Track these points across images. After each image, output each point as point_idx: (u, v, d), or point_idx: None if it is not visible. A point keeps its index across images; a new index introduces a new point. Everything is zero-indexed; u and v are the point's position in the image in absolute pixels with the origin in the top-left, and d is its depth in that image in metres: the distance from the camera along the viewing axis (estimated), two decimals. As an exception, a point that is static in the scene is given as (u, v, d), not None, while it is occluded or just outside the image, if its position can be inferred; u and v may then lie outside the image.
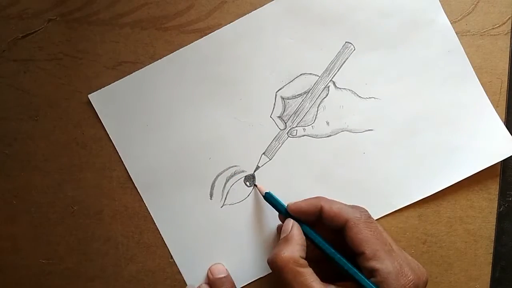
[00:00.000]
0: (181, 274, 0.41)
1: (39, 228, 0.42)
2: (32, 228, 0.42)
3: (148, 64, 0.41)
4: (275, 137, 0.41)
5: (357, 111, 0.41)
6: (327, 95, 0.41)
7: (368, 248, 0.33)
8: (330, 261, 0.35)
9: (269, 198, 0.39)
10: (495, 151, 0.41)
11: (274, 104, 0.42)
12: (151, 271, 0.42)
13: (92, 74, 0.41)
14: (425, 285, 0.34)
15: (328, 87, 0.41)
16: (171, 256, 0.41)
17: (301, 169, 0.41)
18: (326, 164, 0.41)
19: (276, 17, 0.41)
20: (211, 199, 0.41)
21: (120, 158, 0.41)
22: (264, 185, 0.41)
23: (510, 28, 0.41)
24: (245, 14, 0.41)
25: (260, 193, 0.40)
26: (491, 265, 0.41)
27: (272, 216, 0.40)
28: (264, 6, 0.41)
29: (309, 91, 0.41)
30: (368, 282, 0.33)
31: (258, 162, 0.41)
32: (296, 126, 0.41)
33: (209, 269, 0.41)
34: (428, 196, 0.41)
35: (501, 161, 0.41)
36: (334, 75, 0.41)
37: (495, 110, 0.41)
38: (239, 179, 0.41)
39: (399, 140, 0.41)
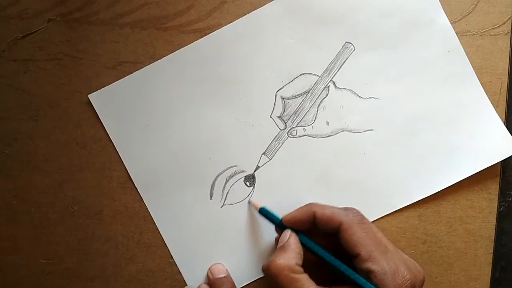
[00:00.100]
0: (181, 274, 0.41)
1: (39, 228, 0.42)
2: (32, 228, 0.42)
3: (148, 64, 0.41)
4: (275, 137, 0.41)
5: (357, 111, 0.41)
6: (327, 95, 0.41)
7: (363, 249, 0.33)
8: (329, 267, 0.35)
9: (264, 213, 0.39)
10: (495, 151, 0.41)
11: (274, 104, 0.42)
12: (151, 271, 0.42)
13: (92, 74, 0.41)
14: (422, 283, 0.34)
15: (328, 87, 0.41)
16: (171, 256, 0.41)
17: (301, 169, 0.41)
18: (326, 164, 0.41)
19: (276, 17, 0.41)
20: (211, 199, 0.41)
21: (120, 158, 0.41)
22: (264, 185, 0.41)
23: (510, 28, 0.41)
24: (245, 14, 0.41)
25: (255, 209, 0.40)
26: (491, 265, 0.41)
27: (272, 216, 0.40)
28: (264, 6, 0.41)
29: (309, 91, 0.41)
30: (370, 284, 0.33)
31: (258, 162, 0.41)
32: (296, 126, 0.41)
33: (209, 269, 0.41)
34: (428, 196, 0.41)
35: (501, 161, 0.41)
36: (334, 75, 0.41)
37: (495, 110, 0.41)
38: (239, 179, 0.41)
39: (399, 140, 0.41)
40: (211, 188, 0.41)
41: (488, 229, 0.41)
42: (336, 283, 0.35)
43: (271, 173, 0.41)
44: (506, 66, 0.41)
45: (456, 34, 0.41)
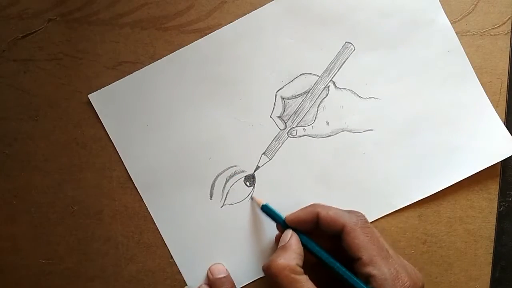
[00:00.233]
0: (181, 274, 0.41)
1: (39, 228, 0.42)
2: (32, 228, 0.42)
3: (148, 64, 0.41)
4: (275, 137, 0.41)
5: (357, 111, 0.41)
6: (327, 95, 0.41)
7: (365, 253, 0.33)
8: (329, 269, 0.35)
9: (266, 210, 0.39)
10: (495, 151, 0.41)
11: (274, 104, 0.42)
12: (151, 271, 0.42)
13: (92, 74, 0.41)
14: None
15: (328, 87, 0.41)
16: (171, 256, 0.41)
17: (301, 169, 0.41)
18: (326, 164, 0.41)
19: (276, 17, 0.41)
20: (211, 199, 0.41)
21: (120, 158, 0.41)
22: (264, 185, 0.41)
23: (510, 28, 0.41)
24: (245, 14, 0.41)
25: (258, 205, 0.40)
26: (491, 265, 0.41)
27: (272, 216, 0.40)
28: (264, 6, 0.41)
29: (309, 91, 0.41)
30: None
31: (258, 162, 0.41)
32: (296, 126, 0.41)
33: (209, 269, 0.41)
34: (428, 196, 0.41)
35: (501, 161, 0.41)
36: (334, 75, 0.41)
37: (495, 110, 0.41)
38: (239, 179, 0.41)
39: (399, 140, 0.41)
40: (211, 188, 0.41)
41: (488, 229, 0.41)
42: (335, 286, 0.35)
43: (271, 173, 0.41)
44: (506, 66, 0.41)
45: (456, 34, 0.41)
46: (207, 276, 0.41)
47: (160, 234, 0.41)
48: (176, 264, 0.41)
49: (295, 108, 0.41)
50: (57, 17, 0.41)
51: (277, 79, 0.41)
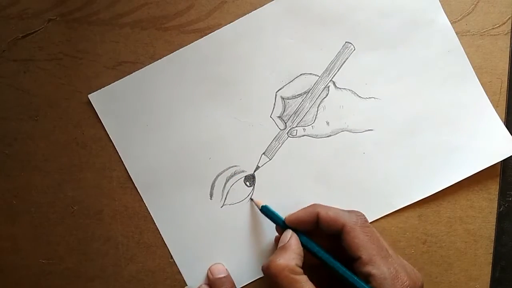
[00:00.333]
0: (181, 274, 0.41)
1: (39, 228, 0.42)
2: (32, 228, 0.42)
3: (148, 64, 0.41)
4: (275, 137, 0.41)
5: (357, 111, 0.41)
6: (327, 95, 0.41)
7: (364, 253, 0.33)
8: (328, 269, 0.35)
9: (265, 211, 0.39)
10: (495, 151, 0.41)
11: (274, 104, 0.42)
12: (151, 271, 0.42)
13: (92, 74, 0.41)
14: None
15: (328, 87, 0.41)
16: (171, 256, 0.41)
17: (301, 169, 0.41)
18: (326, 164, 0.41)
19: (276, 17, 0.41)
20: (211, 199, 0.41)
21: (120, 158, 0.41)
22: (264, 185, 0.41)
23: (510, 28, 0.41)
24: (245, 14, 0.41)
25: (257, 206, 0.40)
26: (491, 265, 0.41)
27: (272, 216, 0.40)
28: (264, 6, 0.41)
29: (309, 91, 0.41)
30: None
31: (258, 162, 0.41)
32: (296, 126, 0.41)
33: (209, 269, 0.41)
34: (428, 196, 0.41)
35: (501, 161, 0.41)
36: (334, 75, 0.41)
37: (495, 110, 0.41)
38: (239, 179, 0.41)
39: (399, 140, 0.41)
40: (211, 188, 0.41)
41: (488, 229, 0.41)
42: (334, 286, 0.35)
43: (271, 173, 0.41)
44: (506, 66, 0.41)
45: (456, 34, 0.41)
46: (207, 276, 0.41)
47: (160, 234, 0.41)
48: (176, 264, 0.41)
49: (295, 108, 0.41)
50: (57, 17, 0.41)
51: (277, 79, 0.41)
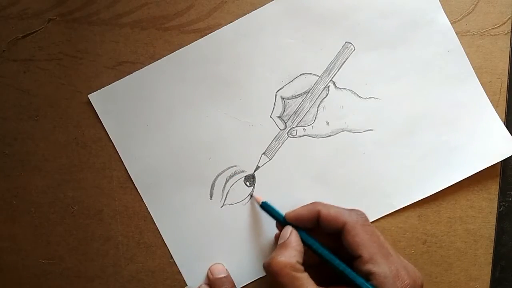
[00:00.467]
0: (181, 274, 0.41)
1: (39, 228, 0.42)
2: (32, 228, 0.42)
3: (148, 64, 0.41)
4: (275, 137, 0.41)
5: (357, 111, 0.41)
6: (327, 95, 0.41)
7: (365, 251, 0.33)
8: (328, 266, 0.35)
9: (265, 207, 0.39)
10: (495, 151, 0.41)
11: (274, 104, 0.42)
12: (151, 271, 0.42)
13: (92, 74, 0.41)
14: None
15: (328, 87, 0.41)
16: (171, 256, 0.41)
17: (301, 169, 0.41)
18: (326, 164, 0.41)
19: (276, 17, 0.41)
20: (211, 199, 0.41)
21: (120, 158, 0.41)
22: (264, 185, 0.41)
23: (510, 28, 0.41)
24: (245, 14, 0.41)
25: (257, 203, 0.39)
26: (491, 265, 0.41)
27: (272, 216, 0.40)
28: (264, 6, 0.41)
29: (309, 91, 0.41)
30: (369, 286, 0.32)
31: (258, 162, 0.41)
32: (296, 126, 0.41)
33: (209, 269, 0.41)
34: (428, 196, 0.41)
35: (501, 161, 0.41)
36: (334, 75, 0.41)
37: (495, 110, 0.41)
38: (239, 179, 0.41)
39: (399, 140, 0.41)
40: (211, 188, 0.41)
41: (488, 229, 0.41)
42: (334, 284, 0.35)
43: (271, 173, 0.41)
44: (506, 66, 0.41)
45: (456, 34, 0.41)
46: (207, 276, 0.41)
47: (160, 234, 0.41)
48: (176, 264, 0.41)
49: (295, 108, 0.41)
50: (57, 17, 0.41)
51: (277, 79, 0.41)
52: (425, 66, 0.41)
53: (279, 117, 0.42)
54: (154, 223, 0.41)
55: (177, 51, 0.41)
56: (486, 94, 0.41)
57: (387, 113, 0.41)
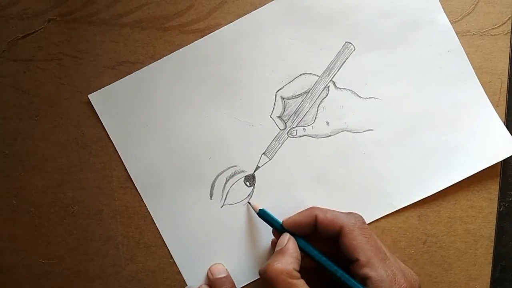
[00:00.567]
0: (181, 274, 0.41)
1: (39, 228, 0.42)
2: (32, 228, 0.42)
3: (148, 64, 0.41)
4: (275, 137, 0.41)
5: (357, 111, 0.41)
6: (327, 95, 0.41)
7: (362, 255, 0.33)
8: (326, 272, 0.35)
9: (263, 215, 0.39)
10: (495, 151, 0.41)
11: (274, 104, 0.42)
12: (151, 271, 0.42)
13: (92, 74, 0.41)
14: None
15: (328, 87, 0.41)
16: (171, 256, 0.41)
17: (301, 169, 0.41)
18: (326, 164, 0.41)
19: (276, 17, 0.41)
20: (211, 199, 0.41)
21: (120, 158, 0.41)
22: (264, 185, 0.41)
23: (510, 28, 0.41)
24: (245, 14, 0.41)
25: (254, 210, 0.39)
26: (491, 265, 0.41)
27: (272, 216, 0.40)
28: (264, 6, 0.41)
29: (309, 91, 0.41)
30: None
31: (258, 162, 0.41)
32: (296, 126, 0.41)
33: (209, 269, 0.41)
34: (428, 196, 0.41)
35: (501, 161, 0.41)
36: (334, 75, 0.41)
37: (495, 110, 0.41)
38: (239, 179, 0.41)
39: (399, 140, 0.41)
40: (211, 188, 0.41)
41: (488, 229, 0.41)
42: None
43: (271, 173, 0.41)
44: (506, 66, 0.41)
45: (456, 34, 0.41)
46: (207, 276, 0.41)
47: (160, 234, 0.41)
48: (176, 264, 0.41)
49: (295, 108, 0.41)
50: (57, 17, 0.41)
51: (277, 79, 0.41)
52: (425, 66, 0.41)
53: (279, 117, 0.42)
54: (154, 223, 0.41)
55: (177, 51, 0.41)
56: (486, 94, 0.41)
57: (387, 113, 0.41)
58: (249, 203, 0.41)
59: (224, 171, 0.41)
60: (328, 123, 0.41)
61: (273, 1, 0.41)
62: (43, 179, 0.42)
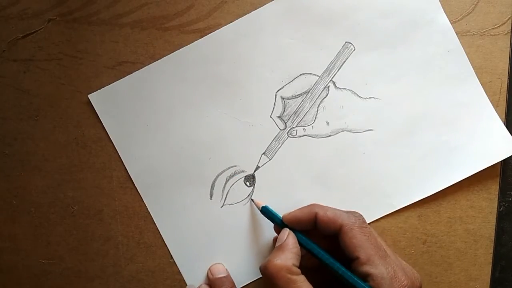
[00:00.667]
0: (181, 274, 0.41)
1: (39, 228, 0.42)
2: (32, 228, 0.42)
3: (148, 64, 0.41)
4: (275, 137, 0.41)
5: (357, 111, 0.41)
6: (327, 95, 0.41)
7: (362, 252, 0.33)
8: (326, 268, 0.35)
9: (265, 212, 0.39)
10: (495, 151, 0.41)
11: (274, 104, 0.42)
12: (151, 271, 0.42)
13: (92, 74, 0.41)
14: None
15: (328, 87, 0.42)
16: (171, 256, 0.41)
17: (301, 169, 0.41)
18: (326, 164, 0.41)
19: (276, 17, 0.41)
20: (211, 199, 0.41)
21: (120, 158, 0.41)
22: (264, 185, 0.41)
23: (510, 28, 0.41)
24: (245, 14, 0.41)
25: (257, 207, 0.39)
26: (491, 265, 0.41)
27: (272, 216, 0.40)
28: (264, 6, 0.41)
29: (309, 91, 0.42)
30: (366, 287, 0.32)
31: (258, 162, 0.41)
32: (296, 126, 0.41)
33: (209, 269, 0.41)
34: (428, 196, 0.41)
35: (501, 161, 0.41)
36: (334, 75, 0.41)
37: (495, 110, 0.41)
38: (239, 179, 0.41)
39: (399, 140, 0.41)
40: (211, 188, 0.41)
41: (488, 229, 0.41)
42: (332, 286, 0.35)
43: (271, 173, 0.41)
44: (506, 66, 0.41)
45: (456, 34, 0.41)
46: (207, 276, 0.41)
47: (160, 234, 0.41)
48: (176, 264, 0.41)
49: (295, 108, 0.41)
50: (57, 17, 0.41)
51: (277, 79, 0.41)
52: (425, 66, 0.41)
53: (279, 117, 0.42)
54: (154, 223, 0.41)
55: (177, 51, 0.41)
56: (486, 94, 0.41)
57: (387, 113, 0.41)
58: (252, 200, 0.41)
59: (224, 171, 0.41)
60: (328, 123, 0.41)
61: (273, 1, 0.41)
62: (43, 179, 0.42)
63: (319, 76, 0.41)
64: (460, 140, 0.41)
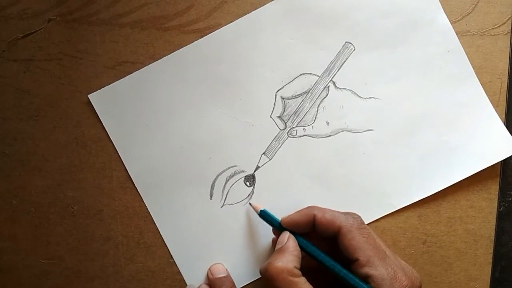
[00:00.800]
0: (181, 274, 0.41)
1: (39, 228, 0.42)
2: (32, 228, 0.42)
3: (148, 64, 0.41)
4: (275, 137, 0.41)
5: (357, 111, 0.41)
6: (327, 95, 0.41)
7: (362, 254, 0.33)
8: (326, 271, 0.35)
9: (264, 215, 0.39)
10: (495, 151, 0.41)
11: (274, 104, 0.42)
12: (151, 271, 0.42)
13: (92, 74, 0.41)
14: None
15: (328, 87, 0.42)
16: (171, 256, 0.41)
17: (301, 169, 0.41)
18: (326, 164, 0.41)
19: (276, 17, 0.41)
20: (211, 199, 0.41)
21: (120, 158, 0.41)
22: (264, 185, 0.41)
23: (510, 28, 0.41)
24: (245, 14, 0.41)
25: (255, 211, 0.39)
26: (491, 265, 0.41)
27: (272, 216, 0.40)
28: (264, 6, 0.41)
29: (309, 91, 0.42)
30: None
31: (258, 162, 0.41)
32: (296, 126, 0.41)
33: (209, 269, 0.41)
34: (428, 196, 0.41)
35: (501, 161, 0.41)
36: (334, 75, 0.41)
37: (495, 110, 0.41)
38: (239, 179, 0.41)
39: (399, 140, 0.41)
40: (211, 188, 0.41)
41: (488, 229, 0.41)
42: (332, 287, 0.35)
43: (271, 173, 0.41)
44: (506, 66, 0.41)
45: (456, 34, 0.41)
46: (207, 276, 0.41)
47: (160, 234, 0.41)
48: (176, 264, 0.41)
49: (295, 108, 0.41)
50: (57, 17, 0.41)
51: (277, 79, 0.41)
52: (425, 66, 0.41)
53: (279, 117, 0.42)
54: (154, 223, 0.41)
55: (177, 51, 0.41)
56: (486, 94, 0.41)
57: (387, 113, 0.41)
58: (250, 204, 0.41)
59: (224, 171, 0.41)
60: (328, 123, 0.41)
61: (273, 1, 0.41)
62: (43, 179, 0.42)
63: (319, 76, 0.41)
64: (460, 140, 0.41)
